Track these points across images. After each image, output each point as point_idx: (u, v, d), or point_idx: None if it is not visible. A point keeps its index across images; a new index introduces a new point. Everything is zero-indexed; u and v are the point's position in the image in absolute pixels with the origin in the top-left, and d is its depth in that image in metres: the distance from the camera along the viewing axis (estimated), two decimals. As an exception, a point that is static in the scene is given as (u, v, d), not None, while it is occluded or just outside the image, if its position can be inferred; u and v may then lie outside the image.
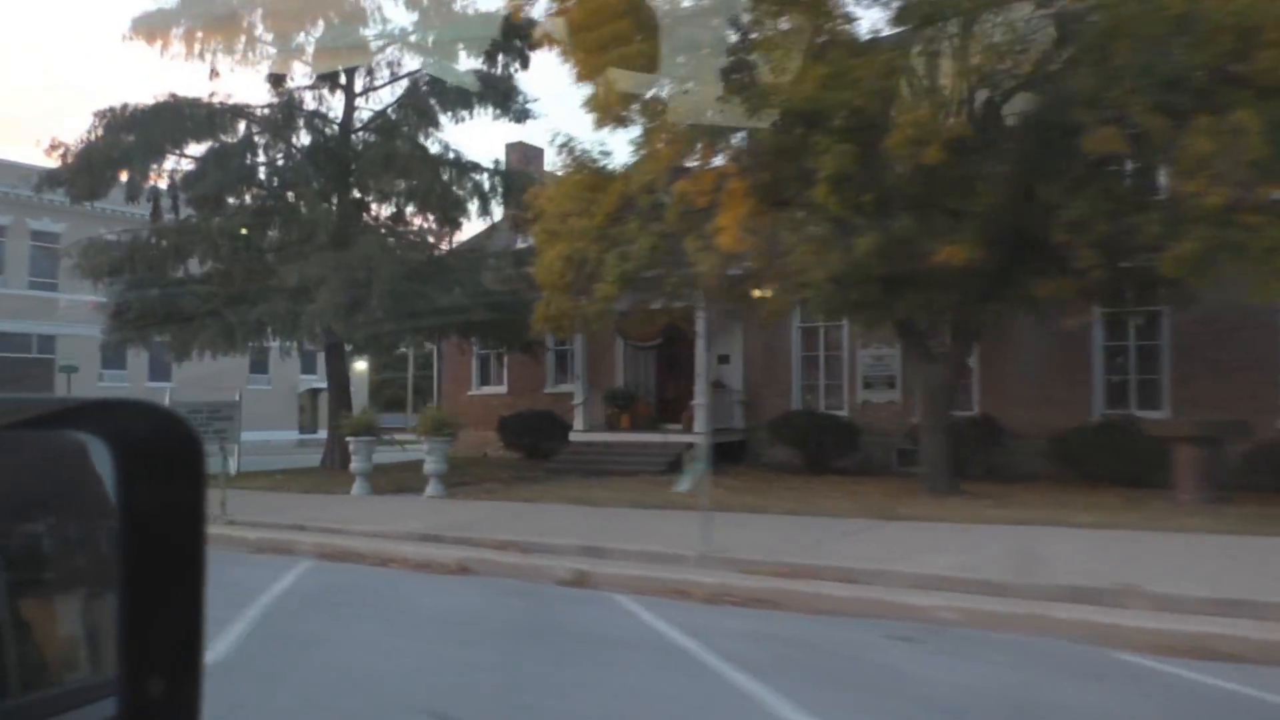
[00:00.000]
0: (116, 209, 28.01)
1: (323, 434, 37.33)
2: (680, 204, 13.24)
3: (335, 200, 19.77)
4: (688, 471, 9.99)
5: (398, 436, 23.92)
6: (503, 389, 26.08)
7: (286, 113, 19.88)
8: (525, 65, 20.19)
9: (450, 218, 20.22)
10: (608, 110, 13.55)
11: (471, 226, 30.66)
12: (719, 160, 13.95)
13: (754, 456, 20.38)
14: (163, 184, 20.25)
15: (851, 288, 12.45)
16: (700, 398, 21.37)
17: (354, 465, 16.37)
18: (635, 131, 15.10)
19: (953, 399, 14.25)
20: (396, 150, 18.86)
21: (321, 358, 54.23)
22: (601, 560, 9.44)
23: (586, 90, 13.74)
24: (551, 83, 70.87)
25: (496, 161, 20.30)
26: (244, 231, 18.11)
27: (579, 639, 6.97)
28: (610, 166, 15.65)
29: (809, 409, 20.65)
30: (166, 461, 1.11)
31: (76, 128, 67.13)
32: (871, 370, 20.63)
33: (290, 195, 19.53)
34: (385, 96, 20.51)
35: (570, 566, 9.19)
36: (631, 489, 15.51)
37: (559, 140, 15.83)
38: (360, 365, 50.92)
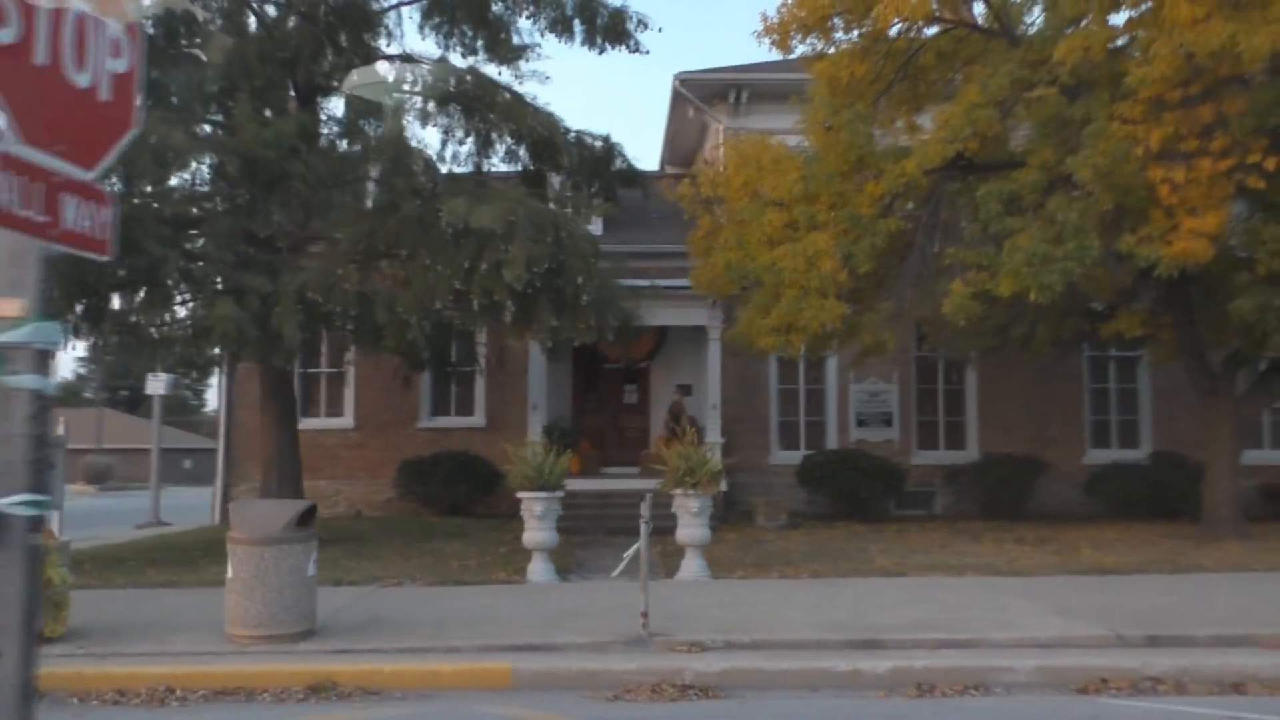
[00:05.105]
0: None
1: None
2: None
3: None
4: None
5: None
6: (345, 421, 19.10)
7: None
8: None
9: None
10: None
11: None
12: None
13: (753, 508, 17.06)
14: None
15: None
16: (714, 435, 17.81)
17: (534, 535, 10.41)
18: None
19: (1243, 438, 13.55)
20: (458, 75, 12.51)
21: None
22: None
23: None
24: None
25: (607, 137, 14.50)
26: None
27: None
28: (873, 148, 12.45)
29: (835, 449, 18.43)
30: None
31: None
32: (866, 407, 19.11)
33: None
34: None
35: None
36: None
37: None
38: None
